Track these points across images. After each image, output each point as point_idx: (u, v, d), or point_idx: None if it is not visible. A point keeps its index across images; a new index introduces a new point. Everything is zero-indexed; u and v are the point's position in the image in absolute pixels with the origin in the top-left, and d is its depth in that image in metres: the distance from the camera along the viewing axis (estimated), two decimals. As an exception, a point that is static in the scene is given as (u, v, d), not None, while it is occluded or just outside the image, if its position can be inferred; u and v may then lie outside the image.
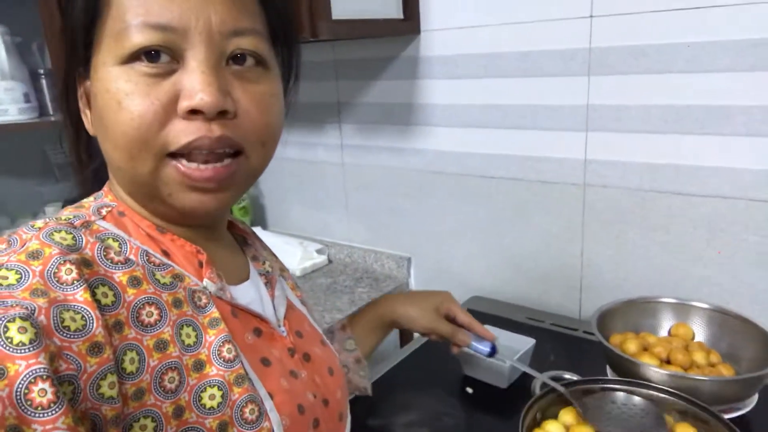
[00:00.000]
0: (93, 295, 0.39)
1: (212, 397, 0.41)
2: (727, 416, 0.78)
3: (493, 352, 0.83)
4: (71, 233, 0.42)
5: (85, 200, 0.49)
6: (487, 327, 1.07)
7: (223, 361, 0.43)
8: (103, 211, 0.47)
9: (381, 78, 1.38)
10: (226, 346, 0.44)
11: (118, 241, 0.44)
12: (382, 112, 1.41)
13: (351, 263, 1.58)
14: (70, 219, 0.44)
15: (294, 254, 1.53)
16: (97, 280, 0.40)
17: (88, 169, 0.54)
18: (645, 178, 1.07)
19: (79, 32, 0.44)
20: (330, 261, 1.60)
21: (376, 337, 0.83)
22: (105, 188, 0.50)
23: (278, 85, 0.49)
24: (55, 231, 0.41)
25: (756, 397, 0.88)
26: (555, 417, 0.79)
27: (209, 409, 0.41)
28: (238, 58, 0.45)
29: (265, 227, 1.77)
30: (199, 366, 0.42)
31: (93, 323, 0.37)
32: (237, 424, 0.42)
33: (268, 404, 0.45)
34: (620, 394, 0.75)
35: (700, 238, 1.04)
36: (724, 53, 0.95)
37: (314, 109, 1.53)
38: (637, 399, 0.73)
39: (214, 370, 0.42)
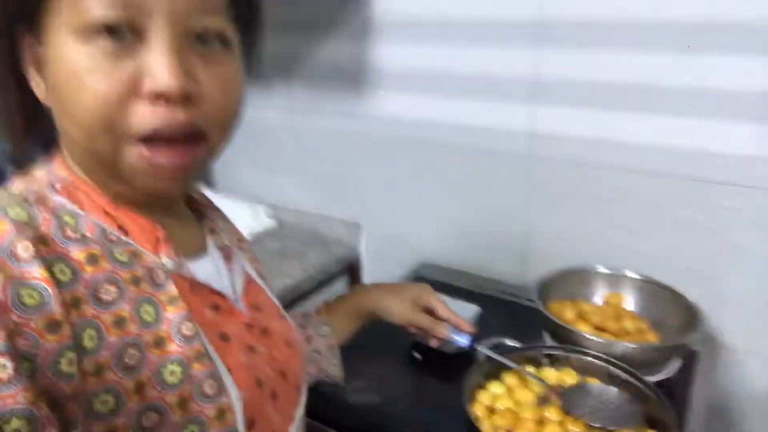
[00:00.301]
0: (50, 272, 0.38)
1: (172, 373, 0.42)
2: (652, 379, 0.85)
3: (471, 344, 0.83)
4: (26, 209, 0.41)
5: (35, 171, 0.47)
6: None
7: (183, 338, 0.43)
8: (57, 185, 0.45)
9: (331, 38, 1.35)
10: (186, 323, 0.44)
11: (73, 217, 0.43)
12: (333, 75, 1.39)
13: (301, 227, 1.58)
14: (23, 193, 0.43)
15: (243, 218, 1.51)
16: (54, 257, 0.40)
17: (31, 132, 0.52)
18: (590, 152, 1.11)
19: None
20: (280, 225, 1.60)
21: (353, 326, 0.83)
22: (57, 159, 0.48)
23: (240, 65, 0.48)
24: (10, 207, 0.40)
25: (679, 361, 0.96)
26: (499, 379, 0.84)
27: (170, 385, 0.42)
28: (202, 38, 0.43)
29: (213, 190, 1.74)
30: (159, 343, 0.42)
31: (51, 300, 0.37)
32: (197, 399, 0.43)
33: (227, 379, 0.46)
34: (596, 386, 0.79)
35: (638, 212, 1.10)
36: (670, 32, 0.98)
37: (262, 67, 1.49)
38: (613, 390, 0.78)
39: (174, 347, 0.43)
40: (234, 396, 0.46)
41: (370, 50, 1.31)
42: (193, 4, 0.42)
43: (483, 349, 0.83)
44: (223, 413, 0.44)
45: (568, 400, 0.77)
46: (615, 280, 1.09)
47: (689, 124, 1.01)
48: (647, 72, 1.02)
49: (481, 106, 1.21)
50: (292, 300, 1.28)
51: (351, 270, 1.50)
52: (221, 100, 0.45)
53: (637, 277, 1.07)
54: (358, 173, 1.44)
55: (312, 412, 0.61)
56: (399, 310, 0.82)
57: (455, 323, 0.83)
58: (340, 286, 1.48)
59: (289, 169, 1.57)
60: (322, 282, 1.39)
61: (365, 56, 1.32)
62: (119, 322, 0.41)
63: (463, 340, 0.83)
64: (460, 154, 1.26)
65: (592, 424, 0.73)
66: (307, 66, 1.42)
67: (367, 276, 1.52)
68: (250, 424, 0.47)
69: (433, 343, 0.85)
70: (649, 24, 0.99)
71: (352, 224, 1.48)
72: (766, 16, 0.90)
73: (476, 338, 0.84)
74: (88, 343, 0.39)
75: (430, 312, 0.84)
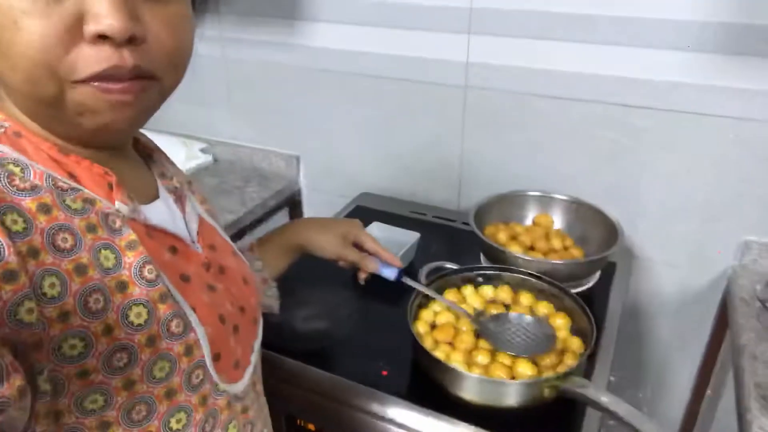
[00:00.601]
0: (2, 223, 0.38)
1: (138, 315, 0.43)
2: (575, 291, 0.94)
3: (399, 277, 0.85)
4: None
5: None
6: (375, 223, 1.15)
7: (146, 281, 0.44)
8: None
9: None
10: (147, 267, 0.45)
11: (19, 165, 0.42)
12: (264, 3, 1.34)
13: (238, 162, 1.56)
14: None
15: (177, 154, 1.48)
16: (5, 208, 0.39)
17: None
18: (523, 82, 1.15)
19: None
20: (216, 161, 1.57)
21: (284, 260, 0.84)
22: None
23: (188, 4, 0.47)
24: None
25: (598, 274, 1.05)
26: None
27: (137, 326, 0.43)
28: None
29: (143, 127, 1.66)
30: (122, 287, 0.43)
31: (4, 251, 0.37)
32: (164, 338, 0.45)
33: (192, 317, 0.48)
34: (513, 315, 0.84)
35: (565, 138, 1.16)
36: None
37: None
38: (528, 318, 0.83)
39: (137, 291, 0.44)
40: (200, 332, 0.48)
41: (300, -23, 1.27)
42: None
43: (410, 282, 0.86)
44: (190, 348, 0.47)
45: (486, 332, 0.82)
46: (544, 201, 1.16)
47: (615, 53, 1.06)
48: (576, 2, 1.05)
49: (416, 36, 1.21)
50: (234, 235, 1.29)
51: (291, 203, 1.51)
52: (168, 42, 0.44)
53: (564, 198, 1.14)
54: (294, 105, 1.43)
55: (266, 342, 0.65)
56: (328, 245, 0.84)
57: (383, 258, 0.86)
58: (281, 220, 1.50)
59: (223, 102, 1.53)
60: (263, 216, 1.40)
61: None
62: (80, 269, 0.41)
63: (390, 274, 0.85)
64: (396, 84, 1.27)
65: (508, 353, 0.78)
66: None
67: (308, 209, 1.54)
68: (215, 357, 0.50)
69: (362, 277, 0.87)
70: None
71: (291, 157, 1.48)
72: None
73: (403, 271, 0.86)
74: (49, 290, 0.39)
75: (359, 247, 0.86)
